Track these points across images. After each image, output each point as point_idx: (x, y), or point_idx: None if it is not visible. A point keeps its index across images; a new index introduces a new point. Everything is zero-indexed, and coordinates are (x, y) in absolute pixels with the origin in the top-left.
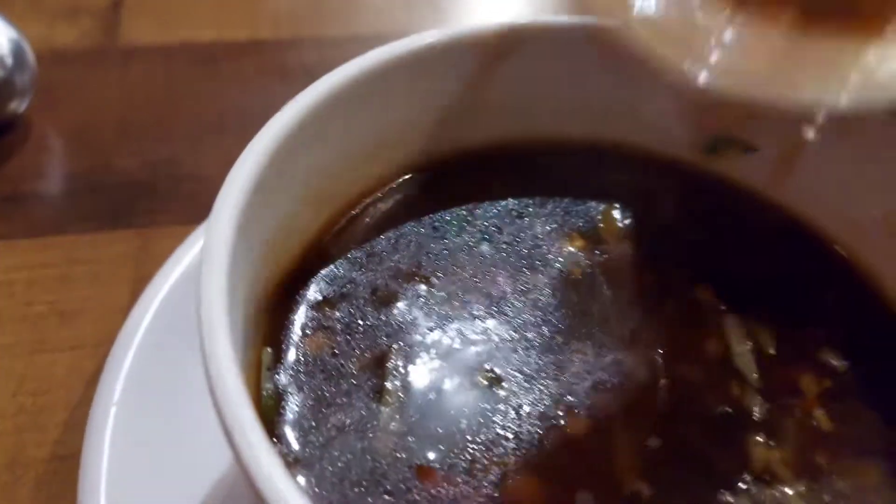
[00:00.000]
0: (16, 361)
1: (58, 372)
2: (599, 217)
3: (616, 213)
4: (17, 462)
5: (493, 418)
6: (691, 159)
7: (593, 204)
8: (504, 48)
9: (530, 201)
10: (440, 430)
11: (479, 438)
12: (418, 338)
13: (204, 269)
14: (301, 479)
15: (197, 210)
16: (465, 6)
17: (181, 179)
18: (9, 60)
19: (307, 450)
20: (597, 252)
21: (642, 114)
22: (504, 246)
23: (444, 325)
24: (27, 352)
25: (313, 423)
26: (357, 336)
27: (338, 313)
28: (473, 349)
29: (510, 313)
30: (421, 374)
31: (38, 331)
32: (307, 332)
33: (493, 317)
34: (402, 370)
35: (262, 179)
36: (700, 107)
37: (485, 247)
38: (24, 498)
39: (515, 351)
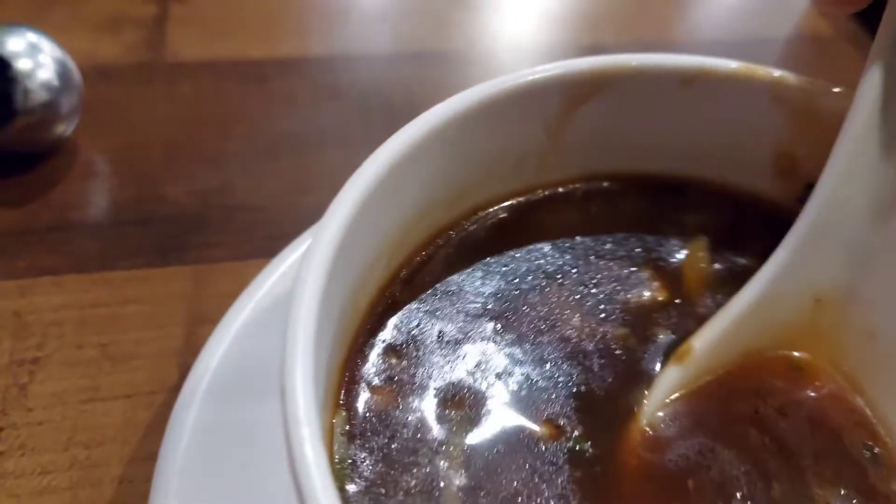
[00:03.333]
0: (68, 410)
1: (111, 422)
2: (683, 260)
3: (701, 256)
4: None
5: (573, 475)
6: (786, 205)
7: (676, 244)
8: (593, 88)
9: (609, 238)
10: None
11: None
12: (487, 390)
13: (288, 345)
14: None
15: (251, 244)
16: (520, 25)
17: (233, 209)
18: (55, 82)
19: None
20: (678, 301)
21: (734, 155)
22: (581, 288)
23: (513, 375)
24: (79, 400)
25: (383, 491)
26: (424, 389)
27: (404, 363)
28: (546, 402)
29: (586, 363)
30: (489, 431)
31: (89, 377)
32: (376, 387)
33: (569, 366)
34: (470, 427)
35: (347, 239)
36: (797, 153)
37: (557, 290)
38: None
39: (593, 405)
